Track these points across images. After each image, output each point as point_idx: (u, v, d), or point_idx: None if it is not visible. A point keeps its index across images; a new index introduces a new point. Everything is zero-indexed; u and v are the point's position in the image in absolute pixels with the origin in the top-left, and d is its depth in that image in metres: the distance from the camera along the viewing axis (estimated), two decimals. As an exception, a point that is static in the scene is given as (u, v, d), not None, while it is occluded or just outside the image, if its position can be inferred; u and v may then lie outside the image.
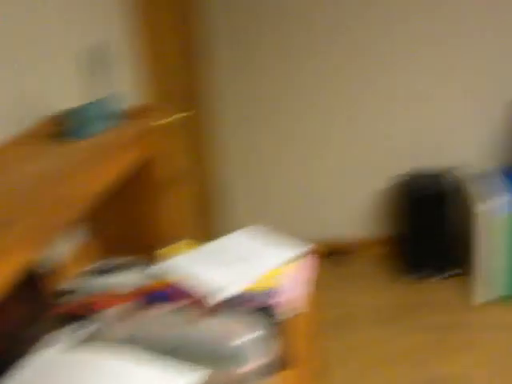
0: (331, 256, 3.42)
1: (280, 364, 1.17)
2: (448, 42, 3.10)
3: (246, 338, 1.08)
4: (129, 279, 1.34)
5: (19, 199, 0.95)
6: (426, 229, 3.07)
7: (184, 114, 2.52)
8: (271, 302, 1.24)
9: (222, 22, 3.18)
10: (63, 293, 1.33)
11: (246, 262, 1.40)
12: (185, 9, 2.87)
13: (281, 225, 3.54)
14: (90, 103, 1.36)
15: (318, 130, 3.34)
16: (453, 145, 3.28)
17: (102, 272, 1.39)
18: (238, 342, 1.07)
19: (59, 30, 1.65)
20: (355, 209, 3.47)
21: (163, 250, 1.52)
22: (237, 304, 1.24)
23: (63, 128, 1.31)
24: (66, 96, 1.68)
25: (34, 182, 1.03)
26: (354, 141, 3.33)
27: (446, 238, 3.07)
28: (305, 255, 1.47)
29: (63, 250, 1.52)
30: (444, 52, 3.13)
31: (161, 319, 1.15)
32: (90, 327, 1.17)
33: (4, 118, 1.36)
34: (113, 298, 1.26)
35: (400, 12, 3.06)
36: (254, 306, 1.23)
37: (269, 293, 1.27)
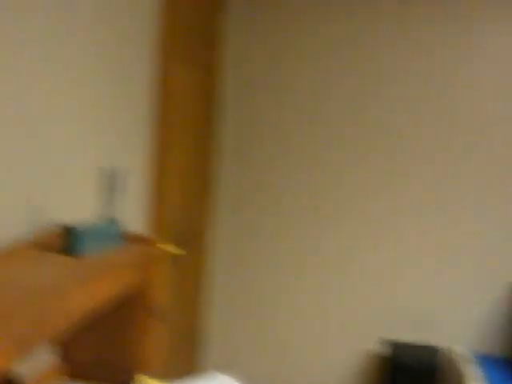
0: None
1: None
2: (450, 217, 3.16)
3: None
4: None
5: (10, 305, 0.94)
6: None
7: (179, 250, 2.55)
8: None
9: (229, 168, 3.33)
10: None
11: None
12: (197, 150, 3.02)
13: (255, 377, 3.41)
14: (96, 222, 1.39)
15: (304, 288, 3.35)
16: (447, 320, 3.22)
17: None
18: None
19: (78, 147, 1.73)
20: (335, 370, 3.36)
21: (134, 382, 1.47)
22: None
23: (66, 242, 1.32)
24: (75, 211, 1.71)
25: (27, 290, 1.03)
26: (340, 303, 3.32)
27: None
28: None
29: (35, 365, 1.46)
30: (446, 226, 3.17)
31: None
32: None
33: (13, 224, 1.38)
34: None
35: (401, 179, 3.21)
36: None
37: None
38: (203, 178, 3.15)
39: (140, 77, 2.16)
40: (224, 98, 3.32)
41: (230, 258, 3.41)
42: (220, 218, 3.39)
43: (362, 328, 3.31)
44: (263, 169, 3.32)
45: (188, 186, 2.88)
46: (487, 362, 3.01)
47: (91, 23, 1.73)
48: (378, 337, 3.28)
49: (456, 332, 3.21)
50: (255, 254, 3.38)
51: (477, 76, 3.07)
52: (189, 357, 3.25)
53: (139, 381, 1.50)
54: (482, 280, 3.17)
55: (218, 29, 3.14)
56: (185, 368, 3.18)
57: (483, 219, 3.14)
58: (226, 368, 3.46)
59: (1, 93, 1.31)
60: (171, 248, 2.54)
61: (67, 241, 1.32)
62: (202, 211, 3.20)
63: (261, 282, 3.39)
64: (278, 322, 3.39)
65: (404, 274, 3.24)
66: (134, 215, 2.20)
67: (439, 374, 2.93)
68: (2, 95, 1.31)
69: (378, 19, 3.13)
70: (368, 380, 3.33)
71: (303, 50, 3.21)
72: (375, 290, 3.28)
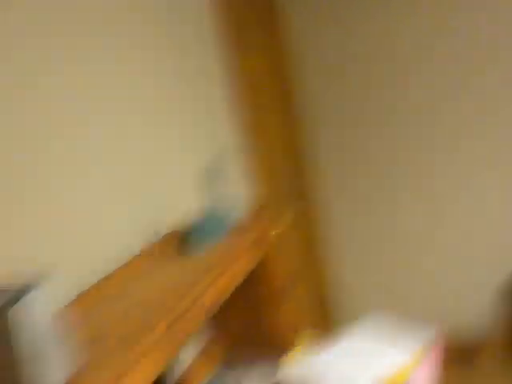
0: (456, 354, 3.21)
1: None
2: None
3: None
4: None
5: (154, 307, 1.02)
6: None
7: (290, 217, 2.60)
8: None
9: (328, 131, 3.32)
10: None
11: (373, 356, 1.37)
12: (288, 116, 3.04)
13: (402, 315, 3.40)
14: (208, 216, 1.44)
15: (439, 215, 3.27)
16: None
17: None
18: None
19: (177, 148, 1.80)
20: (468, 309, 3.29)
21: (289, 349, 1.52)
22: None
23: (183, 242, 1.38)
24: (186, 210, 1.79)
25: (163, 292, 1.11)
26: (462, 238, 3.22)
27: None
28: (431, 346, 1.41)
29: (186, 357, 1.56)
30: None
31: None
32: None
33: (131, 233, 1.47)
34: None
35: None
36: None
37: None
38: (295, 145, 3.17)
39: (215, 71, 2.21)
40: (293, 78, 3.28)
41: (344, 211, 3.41)
42: (322, 177, 3.39)
43: (488, 261, 3.19)
44: (352, 120, 3.27)
45: (284, 156, 2.90)
46: None
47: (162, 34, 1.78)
48: (504, 269, 3.15)
49: None
50: (365, 209, 3.36)
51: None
52: (328, 315, 3.31)
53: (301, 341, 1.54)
54: None
55: (273, 6, 3.11)
56: (326, 326, 3.25)
57: None
58: (370, 313, 3.49)
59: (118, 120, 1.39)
60: (284, 217, 2.59)
61: (184, 241, 1.38)
62: (304, 174, 3.23)
63: (376, 225, 3.37)
64: (401, 260, 3.36)
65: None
66: (241, 197, 2.26)
67: None
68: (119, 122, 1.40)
69: None
70: (498, 313, 3.23)
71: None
72: (498, 222, 3.14)
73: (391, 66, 3.15)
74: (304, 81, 3.30)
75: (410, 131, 3.20)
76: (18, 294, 0.75)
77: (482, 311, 3.27)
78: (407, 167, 3.25)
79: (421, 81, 3.12)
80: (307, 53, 3.26)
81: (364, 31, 3.15)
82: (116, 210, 1.44)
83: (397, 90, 3.17)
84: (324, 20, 3.19)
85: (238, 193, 2.26)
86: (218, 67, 2.27)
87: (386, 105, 3.21)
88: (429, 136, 3.18)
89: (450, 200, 3.22)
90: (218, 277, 1.24)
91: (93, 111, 1.42)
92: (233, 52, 2.40)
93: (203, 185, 1.75)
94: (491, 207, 3.15)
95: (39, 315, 0.77)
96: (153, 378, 0.89)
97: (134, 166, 1.56)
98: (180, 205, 1.78)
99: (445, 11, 3.02)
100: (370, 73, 3.19)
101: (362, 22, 3.14)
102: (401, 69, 3.14)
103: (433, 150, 3.19)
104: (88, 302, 1.17)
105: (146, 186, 1.60)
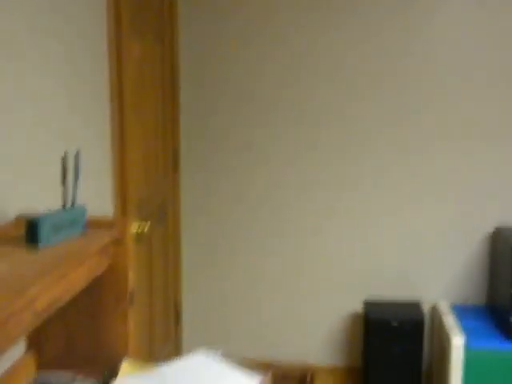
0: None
1: None
2: (426, 168, 3.12)
3: None
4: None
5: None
6: (390, 360, 2.96)
7: (144, 228, 2.53)
8: None
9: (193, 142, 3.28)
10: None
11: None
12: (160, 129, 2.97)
13: (235, 348, 3.35)
14: (57, 211, 1.35)
15: (277, 256, 3.34)
16: (423, 274, 3.20)
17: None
18: None
19: (37, 134, 1.67)
20: (317, 334, 3.35)
21: (110, 367, 1.45)
22: None
23: (27, 233, 1.28)
24: (36, 200, 1.66)
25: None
26: (316, 263, 3.30)
27: (412, 370, 2.97)
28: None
29: (3, 363, 1.42)
30: (420, 177, 3.14)
31: None
32: None
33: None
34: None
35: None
36: None
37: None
38: (166, 152, 3.10)
39: (95, 55, 2.10)
40: (180, 69, 3.23)
41: (200, 231, 3.36)
42: (186, 192, 3.33)
43: (340, 288, 3.30)
44: (226, 136, 3.26)
45: (151, 162, 2.82)
46: (465, 311, 3.06)
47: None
48: (357, 296, 3.26)
49: (435, 286, 3.21)
50: (224, 224, 3.34)
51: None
52: (168, 334, 3.22)
53: (121, 367, 1.48)
54: (458, 231, 3.15)
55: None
56: (166, 347, 3.16)
57: (460, 171, 3.12)
58: (204, 343, 3.44)
59: None
60: (137, 227, 2.51)
61: (28, 232, 1.28)
62: (168, 186, 3.15)
63: (232, 252, 3.37)
64: (253, 290, 3.37)
65: (378, 232, 3.23)
66: (98, 197, 2.15)
67: (419, 328, 2.95)
68: None
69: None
70: (349, 340, 3.36)
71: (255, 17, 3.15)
72: (351, 250, 3.26)
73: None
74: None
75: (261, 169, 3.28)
76: None
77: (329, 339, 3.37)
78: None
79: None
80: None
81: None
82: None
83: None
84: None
85: (92, 192, 2.14)
86: (100, 53, 2.16)
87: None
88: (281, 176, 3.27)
89: (308, 232, 3.30)
90: (57, 277, 1.14)
91: None
92: (118, 40, 2.28)
93: (63, 177, 1.65)
94: (340, 241, 3.27)
95: None
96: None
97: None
98: (35, 193, 1.65)
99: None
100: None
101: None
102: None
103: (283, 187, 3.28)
104: None
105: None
